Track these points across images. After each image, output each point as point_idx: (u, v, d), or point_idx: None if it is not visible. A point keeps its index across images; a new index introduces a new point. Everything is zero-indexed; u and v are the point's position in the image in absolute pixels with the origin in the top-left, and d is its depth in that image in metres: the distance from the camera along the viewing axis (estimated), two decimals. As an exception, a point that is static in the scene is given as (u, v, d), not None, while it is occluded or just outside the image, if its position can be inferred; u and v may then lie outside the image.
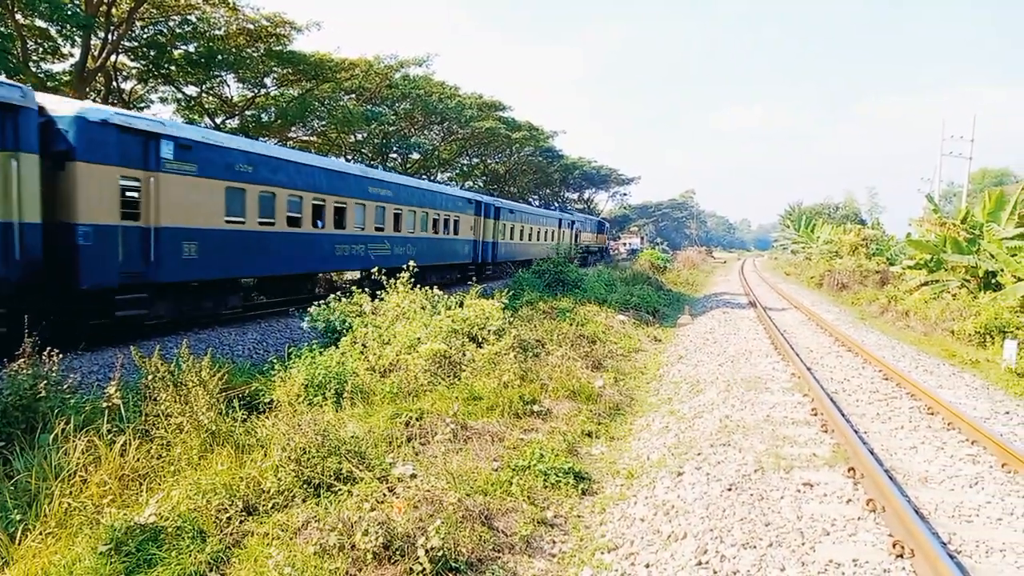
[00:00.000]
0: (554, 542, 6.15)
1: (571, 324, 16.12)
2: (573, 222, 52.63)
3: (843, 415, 9.67)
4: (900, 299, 25.94)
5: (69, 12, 22.85)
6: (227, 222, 15.35)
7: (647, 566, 5.64)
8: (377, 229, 22.20)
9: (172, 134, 13.77)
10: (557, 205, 78.19)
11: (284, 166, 17.47)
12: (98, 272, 12.22)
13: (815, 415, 9.81)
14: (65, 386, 7.96)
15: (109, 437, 6.70)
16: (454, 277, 29.25)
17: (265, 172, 16.63)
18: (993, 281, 22.53)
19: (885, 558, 5.48)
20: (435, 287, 14.07)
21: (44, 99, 11.90)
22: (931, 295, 24.65)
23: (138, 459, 6.57)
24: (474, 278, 20.54)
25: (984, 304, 19.88)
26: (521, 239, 38.22)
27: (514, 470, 7.28)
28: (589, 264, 50.64)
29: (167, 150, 13.56)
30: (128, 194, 12.86)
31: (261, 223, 16.50)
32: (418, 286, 13.87)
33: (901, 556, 5.47)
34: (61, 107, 11.93)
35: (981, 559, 5.62)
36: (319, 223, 19.13)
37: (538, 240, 41.34)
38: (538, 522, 6.38)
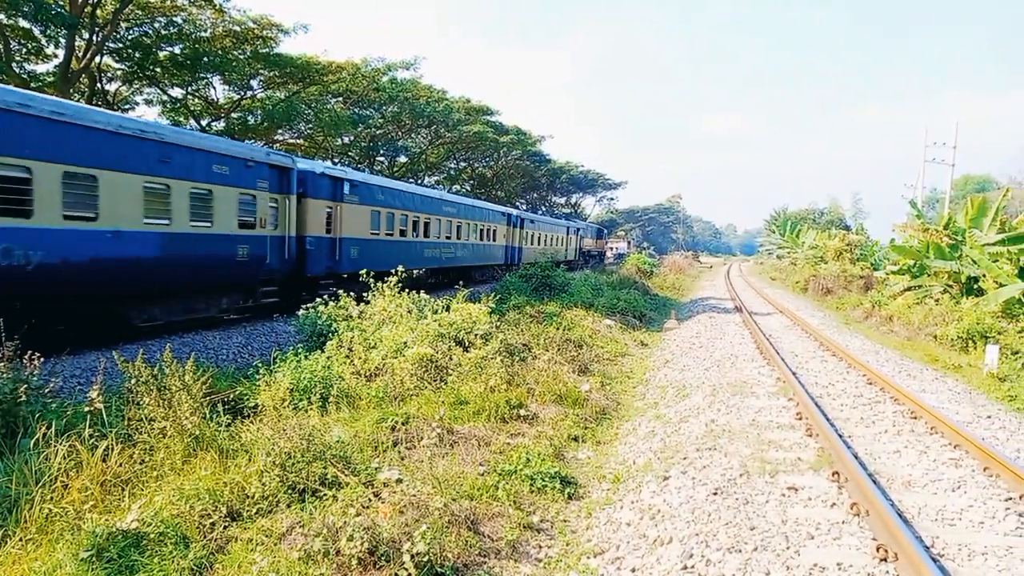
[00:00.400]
0: (540, 547, 6.14)
1: (558, 328, 16.13)
2: (578, 229, 60.02)
3: (828, 419, 9.73)
4: (884, 304, 26.15)
5: (53, 12, 22.66)
6: (371, 234, 22.73)
7: (633, 570, 5.64)
8: (447, 238, 29.64)
9: (349, 178, 21.07)
10: (544, 209, 78.70)
11: (399, 194, 25.17)
12: (315, 265, 19.63)
13: (800, 419, 9.86)
14: (47, 390, 7.87)
15: (91, 442, 6.63)
16: (492, 275, 35.77)
17: (389, 199, 24.05)
18: (975, 286, 22.77)
19: (869, 562, 5.51)
20: (478, 282, 22.39)
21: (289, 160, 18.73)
22: (914, 300, 24.87)
23: (120, 464, 6.50)
24: (507, 274, 27.88)
25: (966, 309, 20.08)
26: (539, 244, 45.79)
27: (500, 474, 7.27)
28: (589, 265, 57.96)
29: (347, 188, 20.77)
30: (326, 217, 20.08)
31: (387, 234, 23.98)
32: (461, 281, 20.33)
33: (885, 560, 5.50)
34: (300, 165, 19.16)
35: (964, 562, 5.67)
36: (415, 233, 26.48)
37: (552, 245, 48.94)
38: (524, 527, 6.37)
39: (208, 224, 14.98)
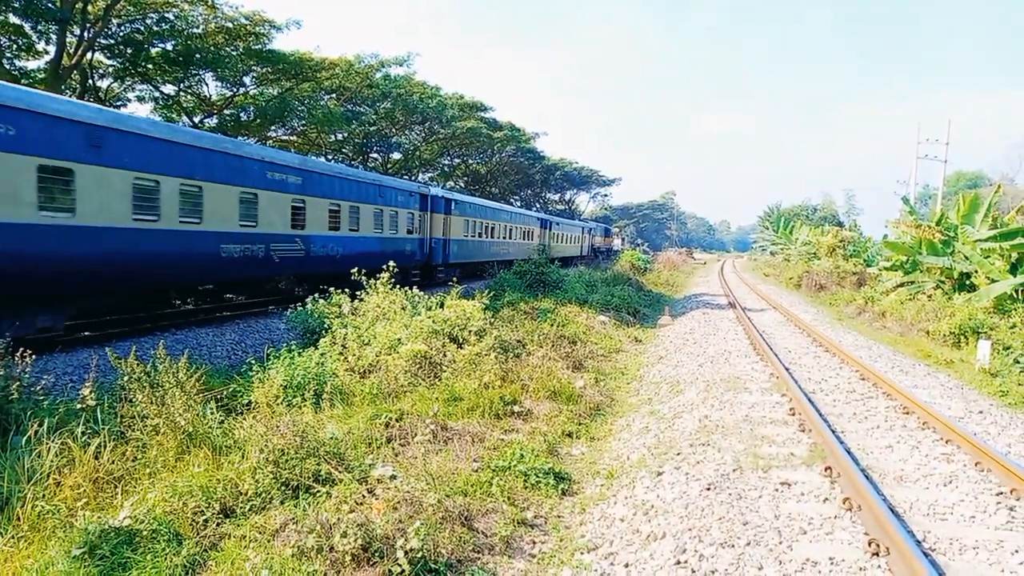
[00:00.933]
0: (534, 543, 6.15)
1: (552, 325, 16.14)
2: (590, 229, 69.48)
3: (820, 415, 9.76)
4: (877, 300, 26.27)
5: (44, 7, 22.53)
6: (464, 236, 31.83)
7: (626, 566, 5.65)
8: (503, 238, 38.52)
9: (455, 198, 30.79)
10: (539, 206, 79.04)
11: (478, 208, 34.55)
12: (436, 257, 28.80)
13: (793, 415, 9.90)
14: (39, 387, 7.84)
15: (83, 439, 6.60)
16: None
17: (473, 212, 33.21)
18: (967, 282, 22.88)
19: (861, 556, 5.54)
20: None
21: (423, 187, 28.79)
22: (907, 296, 24.98)
23: (113, 461, 6.49)
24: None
25: (959, 305, 20.18)
26: (561, 242, 54.67)
27: (494, 471, 7.27)
28: (599, 259, 63.67)
29: (454, 206, 30.23)
30: (442, 225, 28.99)
31: (472, 236, 33.04)
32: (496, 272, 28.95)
33: (877, 554, 5.53)
34: (429, 191, 28.78)
35: (955, 556, 5.70)
36: (486, 235, 35.27)
37: (569, 243, 58.05)
38: (518, 523, 6.37)
39: (394, 231, 24.97)
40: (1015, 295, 19.09)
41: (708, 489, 6.95)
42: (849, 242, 42.63)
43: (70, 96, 27.06)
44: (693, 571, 5.37)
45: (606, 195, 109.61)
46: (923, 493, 7.09)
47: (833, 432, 8.92)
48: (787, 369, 13.15)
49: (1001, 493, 7.08)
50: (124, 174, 12.79)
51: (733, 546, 5.69)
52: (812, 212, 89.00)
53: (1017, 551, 5.75)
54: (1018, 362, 14.52)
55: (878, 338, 20.08)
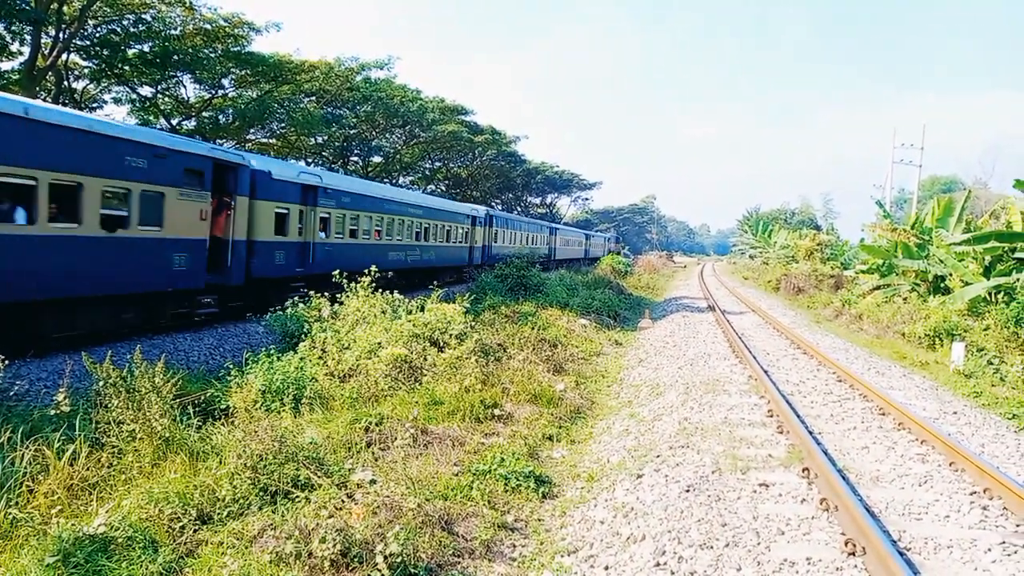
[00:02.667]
0: (514, 546, 6.15)
1: (533, 328, 16.14)
2: (588, 236, 79.79)
3: (798, 416, 9.85)
4: (854, 303, 26.57)
5: (17, 7, 22.22)
6: (501, 244, 41.55)
7: (606, 568, 5.67)
8: (523, 244, 46.30)
9: (497, 215, 42.53)
10: (520, 210, 79.35)
11: (512, 221, 45.97)
12: (477, 259, 37.00)
13: (771, 417, 9.98)
14: (11, 393, 7.72)
15: (58, 446, 6.51)
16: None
17: (510, 224, 45.10)
18: (942, 285, 23.21)
19: (838, 556, 5.59)
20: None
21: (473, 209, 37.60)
22: (883, 299, 25.29)
23: (88, 468, 6.40)
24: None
25: (933, 307, 20.47)
26: (568, 246, 63.80)
27: (475, 474, 7.27)
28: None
29: (496, 221, 41.53)
30: (483, 235, 38.90)
31: (508, 243, 42.84)
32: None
33: (853, 554, 5.59)
34: (477, 211, 37.89)
35: (930, 555, 5.77)
36: (515, 242, 44.66)
37: (577, 247, 68.25)
38: (498, 526, 6.37)
39: (447, 242, 32.37)
40: (988, 298, 19.39)
41: (687, 491, 6.98)
42: (827, 245, 43.11)
43: (44, 98, 26.70)
44: (672, 572, 5.40)
45: (587, 199, 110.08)
46: (899, 493, 7.18)
47: (811, 433, 9.01)
48: (765, 371, 13.26)
49: (975, 492, 7.19)
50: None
51: (712, 547, 5.73)
52: (790, 216, 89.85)
53: (990, 549, 5.84)
54: (991, 363, 14.76)
55: (855, 340, 20.31)
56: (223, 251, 16.05)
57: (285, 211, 18.49)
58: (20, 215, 10.97)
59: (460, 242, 34.75)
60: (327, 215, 20.82)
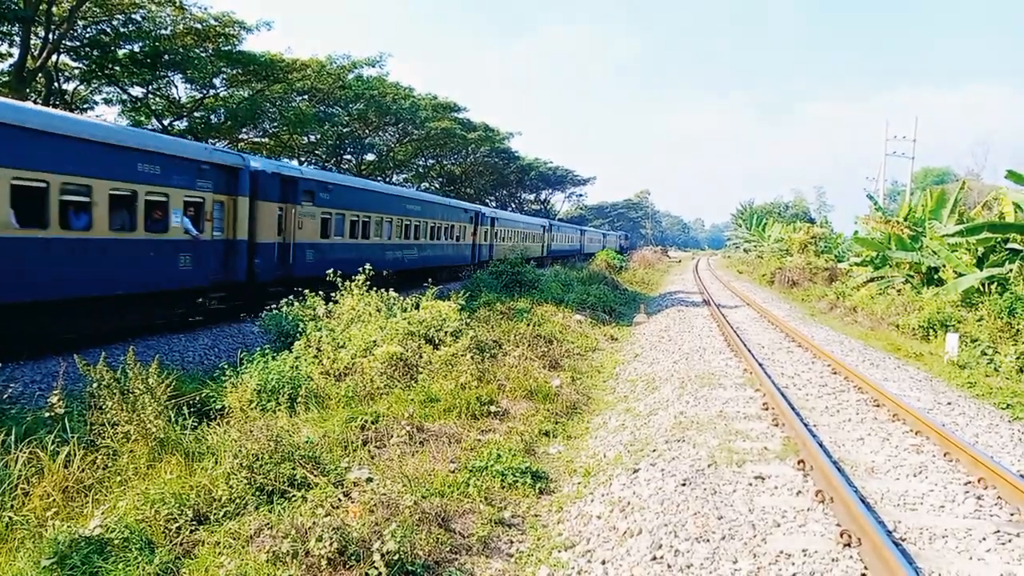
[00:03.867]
0: (511, 542, 6.15)
1: (528, 324, 16.15)
2: (604, 235, 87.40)
3: (793, 409, 9.88)
4: (848, 295, 26.65)
5: (5, 7, 22.09)
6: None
7: (603, 563, 5.68)
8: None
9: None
10: (514, 206, 79.41)
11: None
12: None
13: (766, 409, 10.01)
14: (5, 396, 7.70)
15: (53, 448, 6.49)
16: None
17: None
18: (935, 277, 23.29)
19: (834, 547, 5.62)
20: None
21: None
22: (877, 291, 25.37)
23: (83, 470, 6.38)
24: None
25: (927, 299, 20.55)
26: (591, 242, 74.65)
27: (471, 471, 7.27)
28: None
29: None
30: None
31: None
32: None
33: (849, 545, 5.61)
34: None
35: (925, 545, 5.80)
36: (525, 240, 48.40)
37: (590, 243, 74.35)
38: (495, 522, 6.38)
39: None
40: (982, 288, 19.46)
41: (683, 485, 7.00)
42: (820, 238, 43.22)
43: (34, 100, 26.57)
44: (669, 566, 5.41)
45: (581, 194, 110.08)
46: (894, 484, 7.21)
47: (806, 426, 9.04)
48: (760, 365, 13.29)
49: (969, 483, 7.22)
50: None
51: (708, 540, 5.74)
52: (784, 209, 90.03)
53: (985, 539, 5.87)
54: (985, 354, 14.82)
55: (849, 332, 20.38)
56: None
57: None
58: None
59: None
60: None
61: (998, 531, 6.01)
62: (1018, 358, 14.07)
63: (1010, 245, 19.59)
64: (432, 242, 30.64)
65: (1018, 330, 15.45)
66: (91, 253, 12.44)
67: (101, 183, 12.45)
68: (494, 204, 76.19)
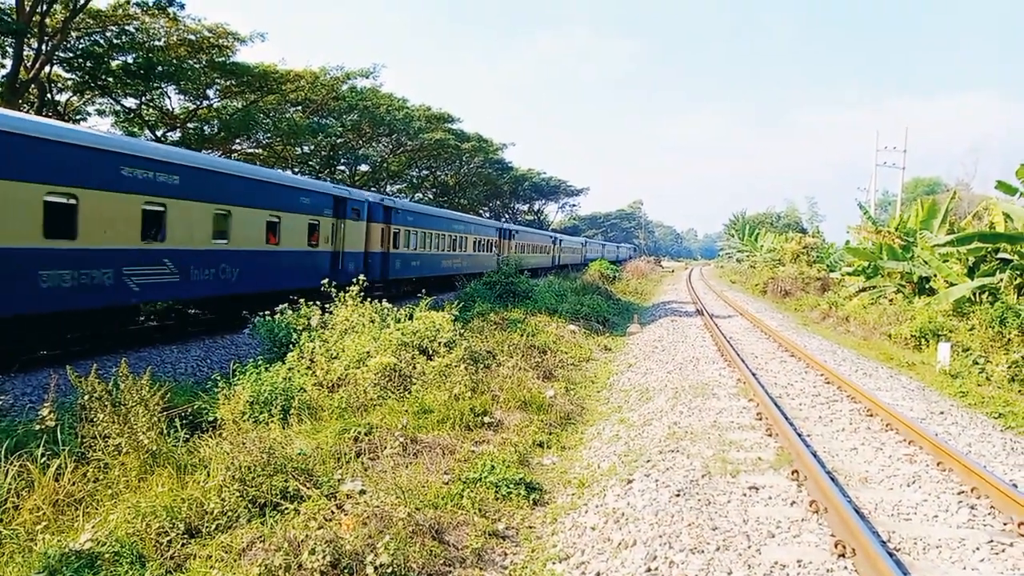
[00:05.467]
0: (505, 554, 6.13)
1: (522, 335, 16.15)
2: (620, 245, 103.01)
3: (787, 419, 9.89)
4: (840, 305, 26.74)
5: (-1, 20, 22.08)
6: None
7: (598, 574, 5.66)
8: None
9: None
10: (507, 217, 79.64)
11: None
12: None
13: (760, 419, 10.02)
14: (-5, 409, 7.64)
15: (43, 461, 6.45)
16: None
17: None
18: (927, 286, 23.39)
19: (828, 558, 5.61)
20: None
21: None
22: (869, 300, 25.46)
23: (74, 483, 6.34)
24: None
25: (919, 308, 20.62)
26: (596, 254, 78.57)
27: (465, 483, 7.24)
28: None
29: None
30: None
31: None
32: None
33: (843, 555, 5.61)
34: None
35: (919, 556, 5.80)
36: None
37: (604, 253, 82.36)
38: (489, 534, 6.35)
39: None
40: (973, 298, 19.55)
41: (678, 495, 6.99)
42: (813, 248, 43.38)
43: (27, 111, 26.51)
44: (664, 578, 5.40)
45: (574, 205, 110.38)
46: (887, 494, 7.22)
47: (799, 436, 9.05)
48: (754, 375, 13.31)
49: (962, 492, 7.24)
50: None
51: (703, 551, 5.73)
52: (776, 219, 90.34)
53: (978, 549, 5.88)
54: (977, 363, 14.88)
55: (842, 342, 20.43)
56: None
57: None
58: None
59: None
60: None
61: (991, 541, 6.02)
62: (1009, 367, 14.14)
63: (1001, 255, 19.71)
64: (474, 253, 38.06)
65: (1009, 339, 15.54)
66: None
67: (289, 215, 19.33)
68: (488, 215, 76.36)
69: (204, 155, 25.61)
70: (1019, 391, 13.50)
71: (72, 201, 12.02)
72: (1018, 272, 18.80)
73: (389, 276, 25.85)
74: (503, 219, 79.48)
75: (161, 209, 14.00)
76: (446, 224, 33.68)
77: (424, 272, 30.18)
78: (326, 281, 13.37)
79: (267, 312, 13.36)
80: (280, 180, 20.42)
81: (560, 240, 66.34)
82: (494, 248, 42.13)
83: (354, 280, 13.41)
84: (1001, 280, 18.90)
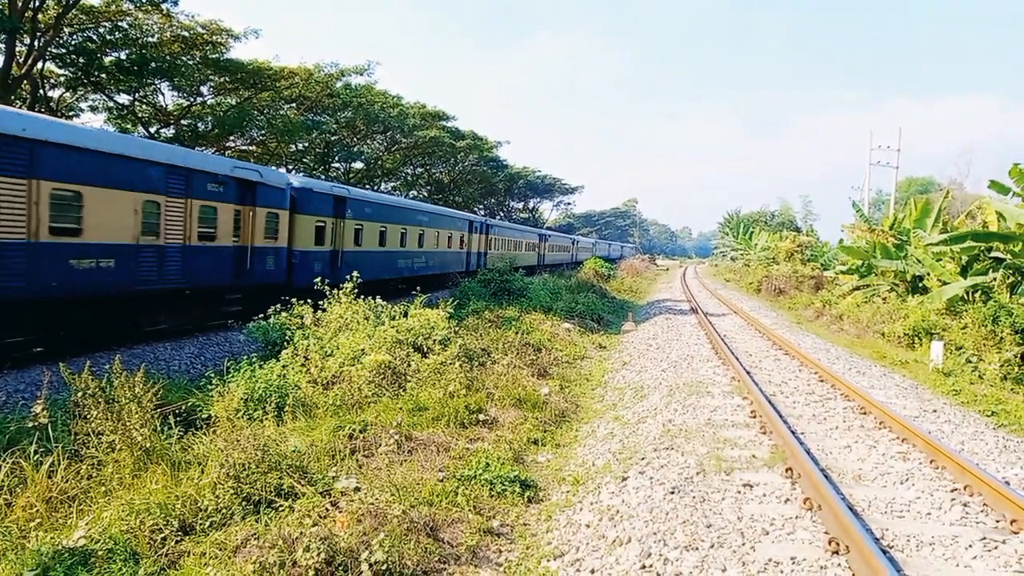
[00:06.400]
0: (500, 551, 6.13)
1: (517, 332, 16.15)
2: (621, 245, 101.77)
3: (781, 417, 9.91)
4: (834, 303, 26.81)
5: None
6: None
7: (592, 572, 5.66)
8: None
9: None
10: (502, 215, 79.55)
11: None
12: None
13: (754, 417, 10.03)
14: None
15: (36, 458, 6.42)
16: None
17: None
18: (920, 285, 23.46)
19: (822, 555, 5.63)
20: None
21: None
22: (863, 299, 25.53)
23: (67, 480, 6.32)
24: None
25: (912, 307, 20.69)
26: (597, 250, 78.92)
27: (460, 480, 7.24)
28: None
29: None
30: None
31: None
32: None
33: (837, 553, 5.62)
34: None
35: (912, 553, 5.82)
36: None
37: (618, 253, 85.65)
38: (484, 532, 6.35)
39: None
40: (966, 297, 19.62)
41: (672, 493, 7.00)
42: (807, 247, 43.45)
43: (20, 106, 26.37)
44: (658, 574, 5.41)
45: (569, 203, 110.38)
46: (881, 491, 7.24)
47: (793, 433, 9.06)
48: (748, 372, 13.33)
49: (955, 490, 7.26)
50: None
51: (697, 549, 5.74)
52: (770, 218, 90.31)
53: (971, 546, 5.90)
54: (969, 362, 14.95)
55: (836, 340, 20.49)
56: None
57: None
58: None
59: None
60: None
61: (984, 538, 6.05)
62: (1002, 366, 14.21)
63: (993, 254, 19.76)
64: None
65: (1002, 338, 15.60)
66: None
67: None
68: (483, 212, 76.36)
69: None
70: (1011, 389, 13.58)
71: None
72: (1011, 271, 18.87)
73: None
74: (497, 216, 79.41)
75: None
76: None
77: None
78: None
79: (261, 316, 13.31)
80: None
81: (597, 244, 68.33)
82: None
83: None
84: (994, 279, 18.96)
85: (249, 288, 16.71)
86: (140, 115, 34.67)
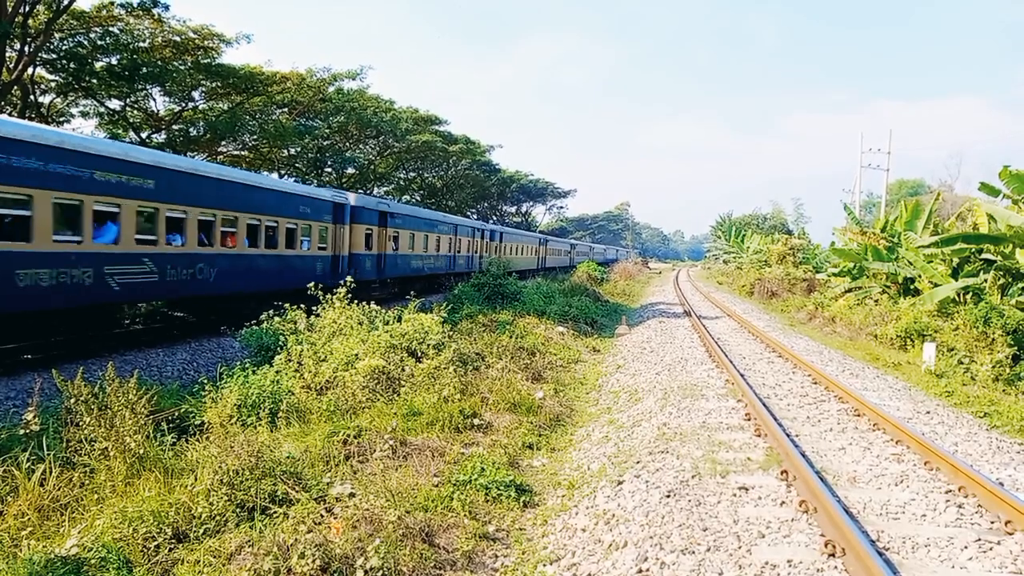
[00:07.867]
0: (496, 556, 6.11)
1: (511, 337, 16.14)
2: (617, 249, 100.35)
3: (775, 419, 9.92)
4: (826, 306, 26.89)
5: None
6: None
7: (589, 576, 5.65)
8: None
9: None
10: (495, 218, 79.65)
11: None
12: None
13: (749, 420, 10.04)
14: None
15: (28, 466, 6.37)
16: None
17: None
18: (912, 287, 23.57)
19: (818, 558, 5.63)
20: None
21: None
22: (855, 301, 25.62)
23: (59, 488, 6.26)
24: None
25: (904, 309, 20.77)
26: (591, 254, 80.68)
27: (455, 485, 7.21)
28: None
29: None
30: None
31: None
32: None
33: (833, 555, 5.63)
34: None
35: (908, 554, 5.83)
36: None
37: (613, 255, 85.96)
38: (480, 537, 6.33)
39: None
40: (957, 298, 19.73)
41: (668, 496, 7.00)
42: (799, 249, 43.62)
43: (10, 113, 26.23)
44: (655, 579, 5.39)
45: (562, 207, 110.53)
46: (876, 493, 7.25)
47: (788, 436, 9.08)
48: (742, 375, 13.35)
49: (950, 491, 7.28)
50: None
51: (694, 552, 5.73)
52: (762, 221, 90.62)
53: (966, 547, 5.91)
54: (961, 363, 15.01)
55: (828, 343, 20.55)
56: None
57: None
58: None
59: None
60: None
61: (979, 539, 6.06)
62: (994, 367, 14.27)
63: (984, 256, 19.88)
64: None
65: (993, 339, 15.68)
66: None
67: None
68: (475, 217, 76.37)
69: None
70: (1004, 390, 13.64)
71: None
72: (1002, 272, 18.98)
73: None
74: (491, 220, 79.42)
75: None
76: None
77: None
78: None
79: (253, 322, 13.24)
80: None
81: (593, 248, 69.48)
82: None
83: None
84: (985, 280, 19.07)
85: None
86: (131, 120, 34.53)
